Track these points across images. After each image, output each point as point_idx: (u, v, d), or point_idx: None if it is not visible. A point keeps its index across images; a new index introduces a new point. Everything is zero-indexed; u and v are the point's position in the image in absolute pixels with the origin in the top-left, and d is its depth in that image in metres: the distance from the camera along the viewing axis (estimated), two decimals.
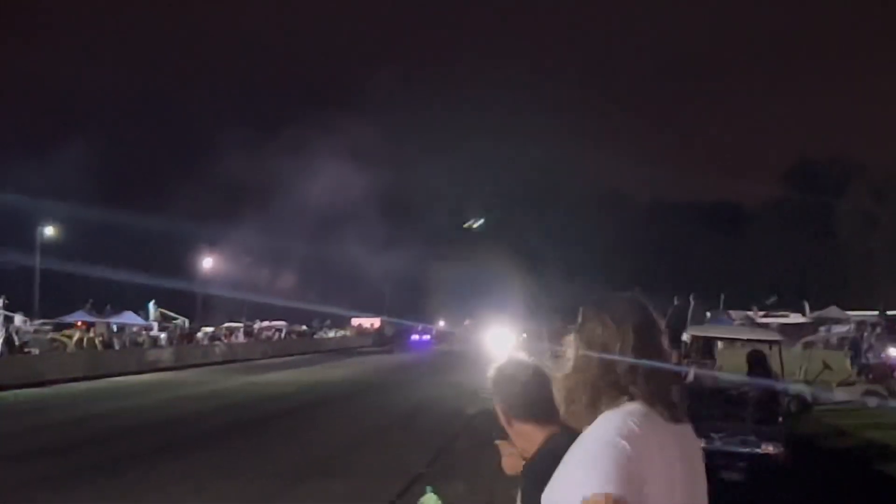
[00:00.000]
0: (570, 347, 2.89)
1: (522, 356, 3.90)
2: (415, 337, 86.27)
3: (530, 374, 3.72)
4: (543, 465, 2.98)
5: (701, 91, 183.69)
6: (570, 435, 3.19)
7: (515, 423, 3.66)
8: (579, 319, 2.91)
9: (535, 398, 3.58)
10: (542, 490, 2.72)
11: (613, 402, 2.73)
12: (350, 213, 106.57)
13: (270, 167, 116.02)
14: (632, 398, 2.72)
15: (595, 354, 2.79)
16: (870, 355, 27.61)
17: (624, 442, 2.55)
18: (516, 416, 3.66)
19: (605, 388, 2.75)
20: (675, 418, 2.74)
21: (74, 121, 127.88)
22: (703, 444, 2.74)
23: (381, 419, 24.10)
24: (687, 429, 2.80)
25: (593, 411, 2.74)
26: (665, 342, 2.86)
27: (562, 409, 2.86)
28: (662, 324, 2.91)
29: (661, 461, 2.60)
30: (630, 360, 2.75)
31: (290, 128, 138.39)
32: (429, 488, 4.08)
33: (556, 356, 3.34)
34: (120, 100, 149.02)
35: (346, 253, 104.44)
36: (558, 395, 2.90)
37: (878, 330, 36.97)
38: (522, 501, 3.44)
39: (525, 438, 3.62)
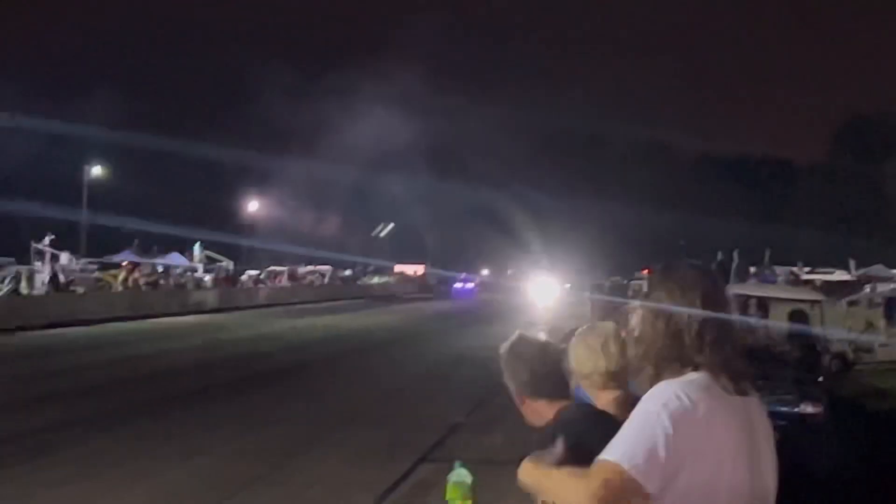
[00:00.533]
0: (635, 316, 2.82)
1: (534, 333, 3.83)
2: (458, 285, 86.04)
3: (538, 353, 3.67)
4: (551, 436, 3.05)
5: (754, 45, 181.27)
6: (581, 408, 3.12)
7: (527, 400, 3.57)
8: (644, 288, 2.86)
9: (543, 377, 3.58)
10: None
11: (677, 373, 2.66)
12: (396, 160, 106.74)
13: (316, 112, 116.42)
14: (696, 369, 2.65)
15: (662, 323, 2.72)
16: None
17: (667, 422, 2.49)
18: (527, 394, 3.62)
19: (670, 359, 2.69)
20: (740, 391, 2.66)
21: (125, 64, 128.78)
22: None
23: (421, 368, 24.10)
24: (752, 402, 2.72)
25: (657, 381, 2.68)
26: (733, 311, 2.79)
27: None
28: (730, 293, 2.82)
29: (713, 437, 2.54)
30: (696, 328, 2.69)
31: (335, 73, 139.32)
32: (458, 463, 3.95)
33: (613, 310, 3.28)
34: (170, 46, 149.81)
35: (392, 200, 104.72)
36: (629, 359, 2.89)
37: None
38: None
39: (537, 415, 3.59)
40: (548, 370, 3.55)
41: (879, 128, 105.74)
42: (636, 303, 2.85)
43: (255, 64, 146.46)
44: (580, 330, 3.74)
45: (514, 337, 3.78)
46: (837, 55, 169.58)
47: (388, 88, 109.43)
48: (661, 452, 2.45)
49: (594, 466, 2.51)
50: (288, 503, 10.17)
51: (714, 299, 2.75)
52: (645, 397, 2.63)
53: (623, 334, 2.83)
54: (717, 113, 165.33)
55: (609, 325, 3.66)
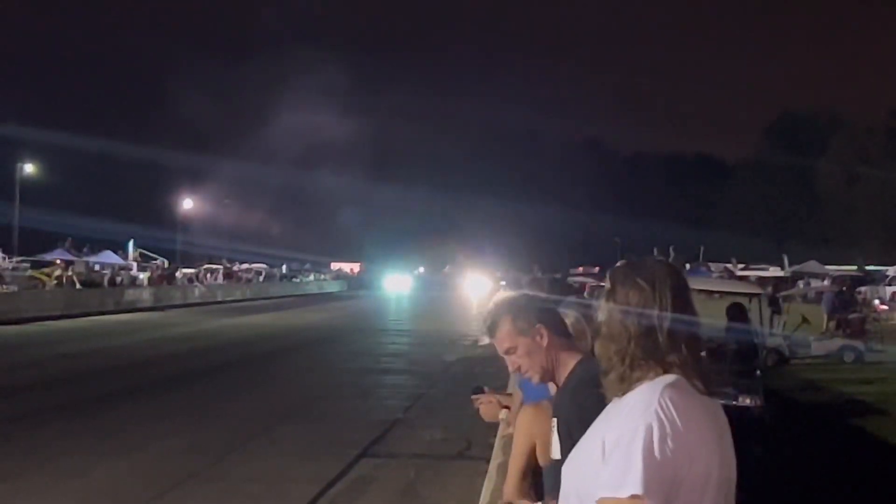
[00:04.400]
0: (601, 314, 2.70)
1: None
2: (394, 282, 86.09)
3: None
4: (585, 396, 3.06)
5: (687, 44, 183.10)
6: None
7: (554, 339, 3.49)
8: (607, 286, 2.72)
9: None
10: (588, 419, 2.69)
11: (648, 372, 2.56)
12: (329, 157, 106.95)
13: (246, 110, 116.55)
14: (667, 369, 2.54)
15: (634, 322, 2.59)
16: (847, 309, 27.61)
17: (668, 440, 2.39)
18: (553, 332, 3.55)
19: (641, 357, 2.57)
20: (708, 391, 2.58)
21: (55, 62, 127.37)
22: None
23: (359, 364, 23.88)
24: (716, 401, 2.62)
25: (625, 383, 2.59)
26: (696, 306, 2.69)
27: None
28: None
29: (700, 438, 2.45)
30: (668, 326, 2.58)
31: (264, 66, 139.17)
32: None
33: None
34: (102, 42, 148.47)
35: (326, 198, 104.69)
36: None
37: (849, 286, 37.01)
38: (560, 428, 3.36)
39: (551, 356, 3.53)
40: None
41: (809, 126, 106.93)
42: (604, 302, 2.70)
43: (185, 60, 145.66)
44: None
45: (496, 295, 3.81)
46: (768, 55, 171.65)
47: (321, 83, 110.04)
48: (668, 472, 2.38)
49: None
50: (227, 498, 10.00)
51: (684, 295, 2.66)
52: (632, 413, 2.49)
53: (588, 334, 2.73)
54: (651, 112, 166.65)
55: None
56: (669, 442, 2.39)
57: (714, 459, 2.45)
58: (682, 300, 2.64)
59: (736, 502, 2.58)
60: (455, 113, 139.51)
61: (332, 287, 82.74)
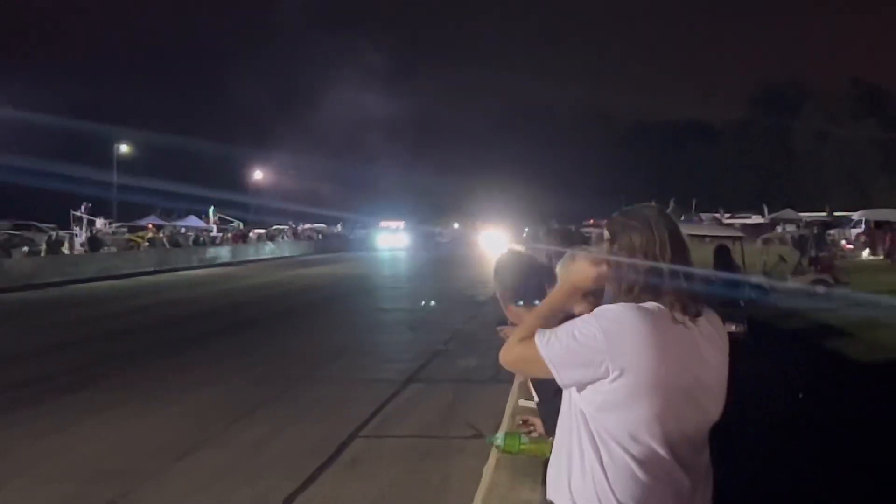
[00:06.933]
0: (602, 258, 2.69)
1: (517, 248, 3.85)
2: (434, 237, 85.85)
3: (521, 263, 3.74)
4: None
5: (682, 18, 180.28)
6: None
7: (511, 307, 3.53)
8: (606, 234, 2.71)
9: (524, 283, 3.54)
10: None
11: (644, 301, 2.57)
12: (375, 130, 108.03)
13: (304, 91, 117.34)
14: (656, 299, 2.55)
15: (640, 259, 2.59)
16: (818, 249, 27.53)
17: (599, 335, 2.48)
18: (509, 299, 3.61)
19: (646, 290, 2.56)
20: (695, 313, 2.57)
21: (148, 54, 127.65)
22: None
23: (405, 304, 24.03)
24: (702, 323, 2.60)
25: None
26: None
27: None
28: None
29: (638, 348, 2.45)
30: (669, 261, 2.59)
31: (313, 53, 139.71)
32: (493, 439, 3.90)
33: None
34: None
35: (376, 166, 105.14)
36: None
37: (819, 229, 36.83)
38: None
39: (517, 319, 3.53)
40: (528, 278, 3.47)
41: (785, 93, 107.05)
42: (602, 247, 2.72)
43: (250, 51, 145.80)
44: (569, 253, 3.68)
45: (504, 251, 3.76)
46: (752, 26, 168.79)
47: (365, 65, 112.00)
48: (583, 358, 2.48)
49: (535, 338, 2.58)
50: (296, 418, 10.06)
51: (677, 233, 2.65)
52: (601, 310, 2.54)
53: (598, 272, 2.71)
54: (650, 84, 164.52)
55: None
56: (597, 333, 2.47)
57: (659, 369, 2.44)
58: (676, 237, 2.63)
59: (725, 410, 2.60)
60: (483, 89, 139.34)
61: (379, 242, 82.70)
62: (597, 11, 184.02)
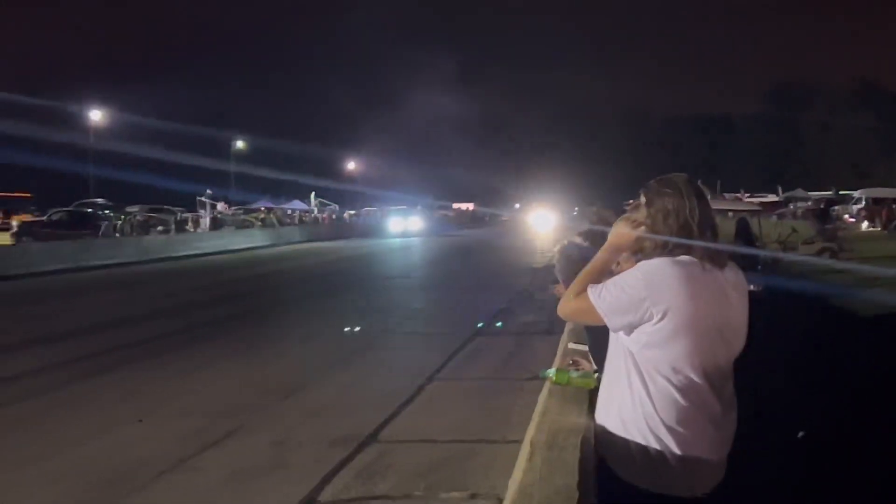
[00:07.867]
0: (641, 220, 2.73)
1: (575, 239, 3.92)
2: (494, 217, 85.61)
3: (579, 254, 3.92)
4: None
5: (708, 25, 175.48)
6: None
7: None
8: (642, 200, 2.74)
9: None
10: None
11: (678, 255, 2.62)
12: (446, 124, 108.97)
13: (387, 91, 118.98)
14: (688, 253, 2.60)
15: (673, 218, 2.63)
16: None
17: (642, 287, 2.54)
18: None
19: (680, 247, 2.60)
20: (720, 265, 2.63)
21: (260, 69, 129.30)
22: None
23: (479, 271, 24.27)
24: (728, 271, 2.66)
25: None
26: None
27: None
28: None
29: (676, 294, 2.51)
30: (698, 220, 2.64)
31: (397, 62, 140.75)
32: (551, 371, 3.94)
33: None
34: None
35: (450, 155, 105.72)
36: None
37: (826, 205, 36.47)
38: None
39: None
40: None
41: (798, 87, 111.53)
42: (640, 212, 2.76)
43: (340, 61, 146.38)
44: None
45: (563, 242, 4.01)
46: (767, 31, 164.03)
47: (437, 68, 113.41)
48: (630, 306, 2.55)
49: (587, 292, 2.65)
50: (375, 367, 10.18)
51: (704, 198, 2.69)
52: (642, 264, 2.60)
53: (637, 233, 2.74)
54: (679, 82, 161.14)
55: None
56: (640, 284, 2.53)
57: (694, 311, 2.50)
58: (703, 201, 2.67)
59: (742, 355, 2.66)
60: (536, 90, 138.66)
61: (455, 221, 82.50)
62: (633, 25, 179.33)
